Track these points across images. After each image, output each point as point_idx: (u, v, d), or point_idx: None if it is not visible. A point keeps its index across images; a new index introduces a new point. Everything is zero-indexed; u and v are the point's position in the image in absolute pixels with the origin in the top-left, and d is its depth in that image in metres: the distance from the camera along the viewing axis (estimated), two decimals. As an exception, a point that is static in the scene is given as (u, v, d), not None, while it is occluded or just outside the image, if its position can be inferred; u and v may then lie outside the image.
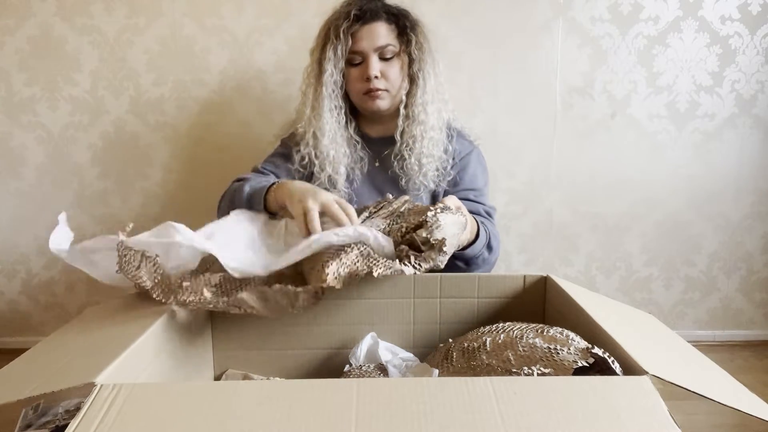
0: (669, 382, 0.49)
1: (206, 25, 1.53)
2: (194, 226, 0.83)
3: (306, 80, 1.16)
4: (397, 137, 1.13)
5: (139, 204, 1.64)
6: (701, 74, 1.59)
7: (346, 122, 1.16)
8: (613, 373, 0.55)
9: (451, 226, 0.79)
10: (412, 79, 1.13)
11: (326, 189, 1.10)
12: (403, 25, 1.12)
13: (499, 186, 1.62)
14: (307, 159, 1.13)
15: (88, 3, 1.51)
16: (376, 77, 1.10)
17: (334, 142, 1.12)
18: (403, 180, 1.15)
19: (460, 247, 0.97)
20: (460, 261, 1.02)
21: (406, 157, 1.13)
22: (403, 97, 1.13)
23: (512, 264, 1.69)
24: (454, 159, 1.17)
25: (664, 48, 1.57)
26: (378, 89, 1.11)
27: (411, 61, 1.12)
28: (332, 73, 1.10)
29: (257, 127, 1.60)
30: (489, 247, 1.05)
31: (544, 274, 0.85)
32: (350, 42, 1.09)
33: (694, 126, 1.62)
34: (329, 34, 1.10)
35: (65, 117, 1.58)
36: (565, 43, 1.56)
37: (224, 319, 0.83)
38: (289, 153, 1.17)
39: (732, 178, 1.65)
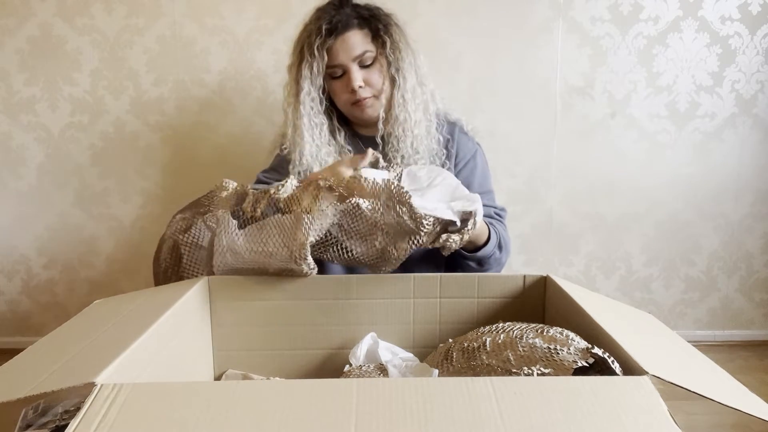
0: (669, 382, 0.49)
1: (206, 25, 1.54)
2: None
3: (287, 99, 1.14)
4: (378, 140, 1.12)
5: (139, 204, 1.64)
6: (701, 74, 1.59)
7: (332, 133, 1.14)
8: (613, 373, 0.55)
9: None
10: (392, 80, 1.11)
11: None
12: (376, 27, 1.10)
13: (499, 186, 1.62)
14: (302, 176, 1.12)
15: (88, 3, 1.52)
16: (360, 87, 1.08)
17: (317, 159, 1.10)
18: None
19: (474, 248, 1.00)
20: (473, 262, 1.03)
21: (392, 158, 1.11)
22: (383, 99, 1.11)
23: (512, 264, 1.69)
24: (457, 158, 1.15)
25: (664, 48, 1.57)
26: (365, 98, 1.09)
27: (389, 63, 1.10)
28: (309, 91, 1.08)
29: (257, 127, 1.60)
30: (500, 246, 1.05)
31: (544, 274, 0.85)
32: (326, 57, 1.07)
33: (694, 126, 1.62)
34: (303, 52, 1.08)
35: (65, 117, 1.58)
36: (565, 43, 1.57)
37: (224, 319, 0.83)
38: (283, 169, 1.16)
39: (732, 178, 1.65)
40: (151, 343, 0.62)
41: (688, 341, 0.68)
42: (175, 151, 1.61)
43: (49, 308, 1.71)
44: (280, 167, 1.18)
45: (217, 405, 0.47)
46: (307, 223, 0.77)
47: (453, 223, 0.78)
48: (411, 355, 0.83)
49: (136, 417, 0.45)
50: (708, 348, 1.70)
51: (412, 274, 0.84)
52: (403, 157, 1.10)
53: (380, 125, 1.11)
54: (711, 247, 1.70)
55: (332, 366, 0.84)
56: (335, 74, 1.10)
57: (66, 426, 0.44)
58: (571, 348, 0.61)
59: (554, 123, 1.61)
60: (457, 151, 1.16)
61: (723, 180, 1.66)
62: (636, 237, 1.69)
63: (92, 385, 0.49)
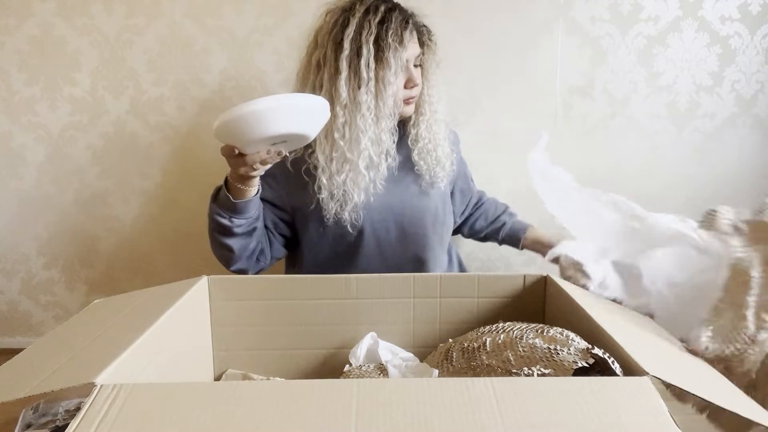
0: (669, 383, 0.49)
1: (206, 25, 1.53)
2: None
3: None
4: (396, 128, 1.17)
5: (139, 204, 1.64)
6: (701, 74, 1.59)
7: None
8: (613, 373, 0.55)
9: None
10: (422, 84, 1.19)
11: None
12: (421, 32, 1.16)
13: (500, 186, 1.62)
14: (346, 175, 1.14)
15: (88, 3, 1.51)
16: (415, 85, 1.14)
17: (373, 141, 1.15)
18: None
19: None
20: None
21: (411, 147, 1.20)
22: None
23: (512, 264, 1.69)
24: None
25: (664, 48, 1.57)
26: (413, 96, 1.15)
27: (423, 70, 1.18)
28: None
29: (257, 127, 1.60)
30: (511, 215, 1.41)
31: (544, 274, 0.85)
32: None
33: (694, 126, 1.62)
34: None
35: (65, 117, 1.58)
36: (565, 43, 1.56)
37: (224, 319, 0.83)
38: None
39: (732, 178, 1.65)
40: (151, 343, 0.62)
41: (688, 341, 0.68)
42: (175, 151, 1.61)
43: (49, 308, 1.71)
44: (283, 174, 1.17)
45: (217, 405, 0.47)
46: None
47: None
48: (411, 355, 0.83)
49: (136, 417, 0.45)
50: (708, 348, 1.69)
51: (411, 274, 0.84)
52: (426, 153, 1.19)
53: (414, 116, 1.20)
54: (711, 247, 1.70)
55: (332, 366, 0.84)
56: None
57: (66, 426, 0.44)
58: (571, 348, 0.61)
59: (554, 123, 1.61)
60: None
61: (723, 180, 1.65)
62: (636, 237, 1.68)
63: (92, 385, 0.49)
